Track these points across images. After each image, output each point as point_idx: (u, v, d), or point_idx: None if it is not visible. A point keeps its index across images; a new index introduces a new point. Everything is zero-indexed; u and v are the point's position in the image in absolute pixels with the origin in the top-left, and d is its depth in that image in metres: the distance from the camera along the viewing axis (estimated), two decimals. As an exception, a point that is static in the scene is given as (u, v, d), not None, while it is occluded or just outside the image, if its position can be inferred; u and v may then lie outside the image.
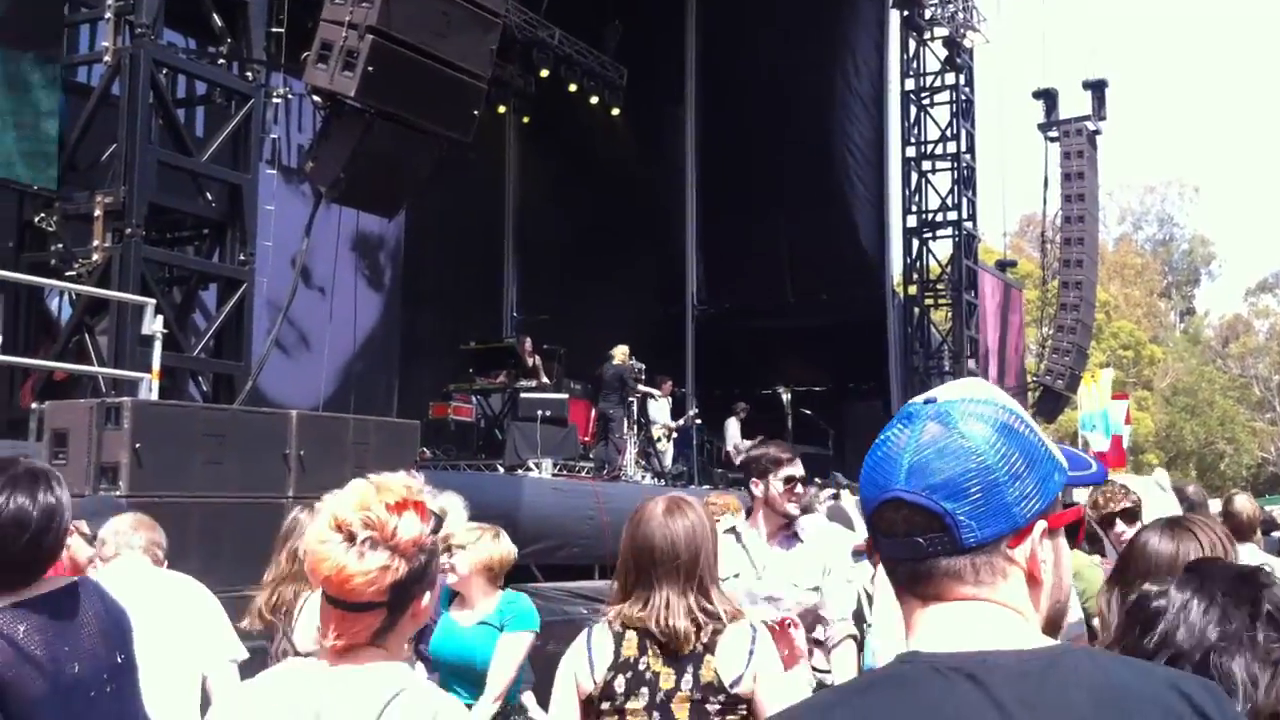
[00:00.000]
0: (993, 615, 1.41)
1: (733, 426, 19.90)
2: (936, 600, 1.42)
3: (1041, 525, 1.43)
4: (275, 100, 10.81)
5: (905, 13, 24.51)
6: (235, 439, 7.83)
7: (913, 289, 25.69)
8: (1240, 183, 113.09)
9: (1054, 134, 28.89)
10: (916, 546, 1.41)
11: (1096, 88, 29.07)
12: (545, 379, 17.26)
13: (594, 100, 23.66)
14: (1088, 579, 4.97)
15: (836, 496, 8.76)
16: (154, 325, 8.50)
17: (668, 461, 17.93)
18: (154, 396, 8.34)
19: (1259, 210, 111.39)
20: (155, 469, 7.24)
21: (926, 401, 1.47)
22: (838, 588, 5.03)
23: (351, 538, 2.20)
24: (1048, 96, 29.12)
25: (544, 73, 22.39)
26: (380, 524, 2.21)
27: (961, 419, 1.43)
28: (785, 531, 4.98)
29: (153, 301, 8.59)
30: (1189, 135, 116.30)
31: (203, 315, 10.30)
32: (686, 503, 3.50)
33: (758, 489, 5.02)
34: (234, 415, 8.22)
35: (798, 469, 4.98)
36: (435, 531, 2.30)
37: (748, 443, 19.78)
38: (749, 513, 5.13)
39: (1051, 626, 1.46)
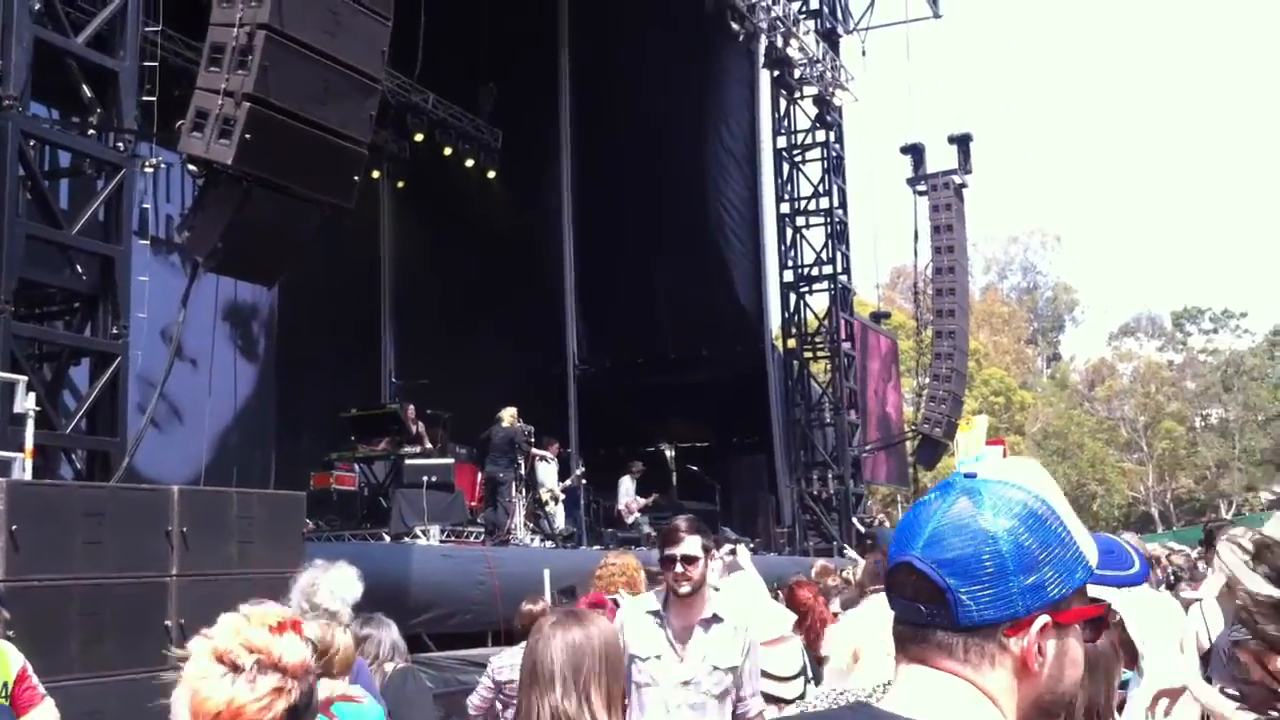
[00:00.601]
0: (961, 694, 1.42)
1: (626, 484, 19.85)
2: (920, 663, 1.44)
3: (1043, 620, 1.43)
4: (148, 170, 10.58)
5: (776, 73, 24.94)
6: (115, 517, 7.57)
7: (792, 342, 26.00)
8: (1100, 230, 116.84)
9: (922, 188, 29.56)
10: (918, 612, 1.44)
11: (961, 142, 29.83)
12: (429, 444, 17.06)
13: (469, 163, 23.69)
14: None
15: (733, 553, 8.73)
16: (26, 403, 8.22)
17: (559, 523, 17.80)
18: (28, 476, 8.05)
19: (1119, 256, 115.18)
20: (32, 551, 6.96)
21: (966, 475, 1.49)
22: (756, 668, 5.04)
23: (236, 667, 2.10)
24: (915, 151, 29.81)
25: (418, 137, 22.37)
26: (265, 648, 2.12)
27: (990, 500, 1.45)
28: (700, 611, 4.94)
29: (24, 379, 8.30)
30: (1049, 186, 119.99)
31: (72, 391, 10.00)
32: (578, 617, 3.41)
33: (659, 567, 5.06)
34: (113, 493, 7.95)
35: (680, 548, 4.91)
36: (316, 655, 2.23)
37: (640, 500, 19.74)
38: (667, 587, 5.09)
39: (1045, 717, 1.46)
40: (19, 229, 8.61)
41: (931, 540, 1.43)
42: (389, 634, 5.98)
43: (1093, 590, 1.51)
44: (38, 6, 9.05)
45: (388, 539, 14.49)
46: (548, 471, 17.92)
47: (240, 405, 17.35)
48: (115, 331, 9.27)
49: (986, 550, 1.41)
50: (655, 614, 4.96)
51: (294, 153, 8.94)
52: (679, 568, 4.90)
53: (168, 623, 7.66)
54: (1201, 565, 9.90)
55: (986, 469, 1.49)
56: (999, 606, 1.41)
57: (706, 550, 5.00)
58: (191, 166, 8.82)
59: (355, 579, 5.12)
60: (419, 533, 14.32)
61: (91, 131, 9.44)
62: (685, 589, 4.90)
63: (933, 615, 1.42)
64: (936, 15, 30.08)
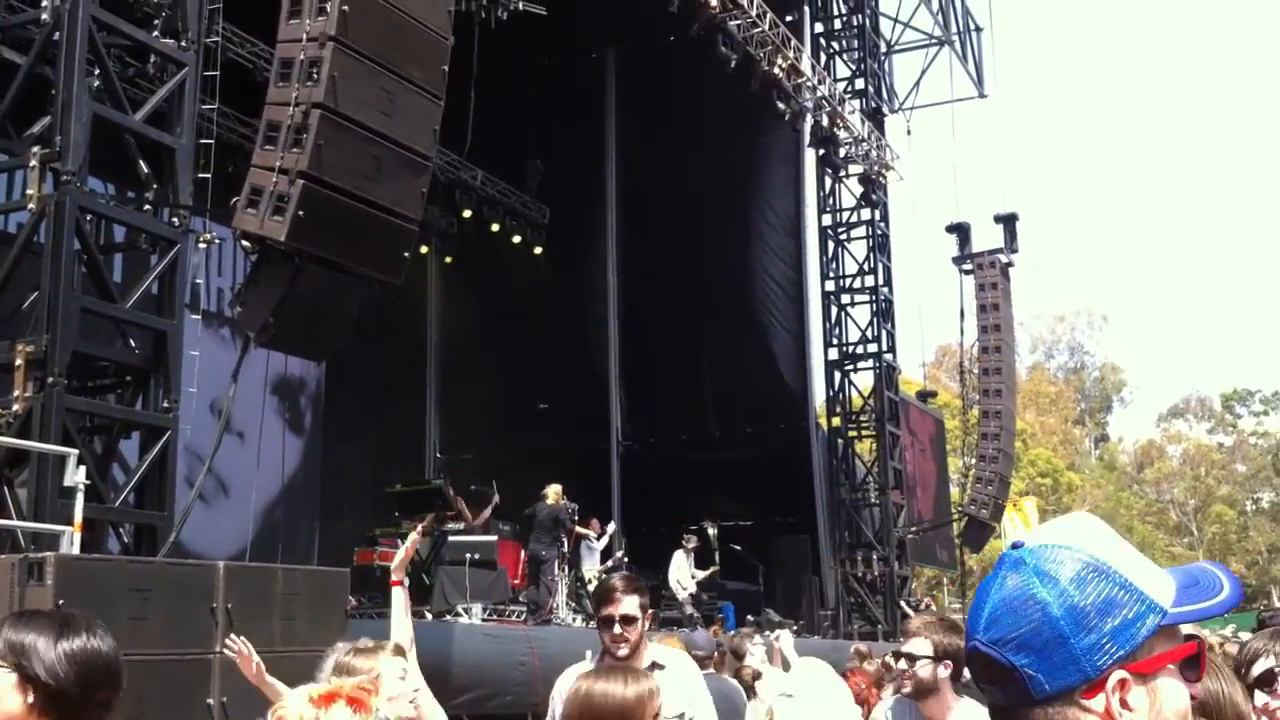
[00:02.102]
0: None
1: (679, 559, 19.28)
2: None
3: (1118, 675, 1.40)
4: (201, 245, 10.69)
5: (821, 151, 25.02)
6: (161, 592, 7.55)
7: (836, 421, 25.82)
8: (1147, 310, 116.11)
9: (968, 266, 29.45)
10: (999, 695, 1.45)
11: (1007, 221, 29.76)
12: (473, 521, 17.01)
13: (516, 239, 23.85)
14: None
15: (778, 638, 8.62)
16: (76, 476, 8.24)
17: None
18: (75, 550, 8.06)
19: (1166, 337, 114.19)
20: (78, 627, 6.94)
21: (1014, 546, 1.48)
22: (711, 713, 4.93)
23: None
24: (960, 230, 29.74)
25: (466, 213, 22.57)
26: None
27: (1036, 567, 1.44)
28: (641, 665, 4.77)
29: (75, 452, 8.34)
30: (1096, 265, 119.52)
31: (121, 465, 10.04)
32: (611, 673, 3.39)
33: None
34: (160, 568, 7.94)
35: (618, 607, 4.71)
36: None
37: (698, 573, 19.26)
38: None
39: None
40: (74, 303, 8.70)
41: (990, 621, 1.43)
42: None
43: (1187, 629, 1.49)
44: (97, 84, 9.21)
45: (430, 617, 14.39)
46: (591, 551, 17.79)
47: (287, 479, 17.42)
48: (166, 405, 9.31)
49: (1038, 618, 1.41)
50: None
51: (346, 229, 9.01)
52: (617, 629, 4.69)
53: (210, 701, 7.61)
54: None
55: (1034, 536, 1.49)
56: (1068, 673, 1.39)
57: (644, 609, 4.83)
58: (245, 242, 8.89)
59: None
60: (461, 611, 14.23)
61: (147, 207, 9.55)
62: (623, 651, 4.68)
63: (1010, 695, 1.43)
64: (982, 95, 30.17)
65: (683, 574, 19.07)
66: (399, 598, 5.51)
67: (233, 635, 5.62)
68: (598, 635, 4.85)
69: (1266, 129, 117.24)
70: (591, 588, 17.25)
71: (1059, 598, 1.41)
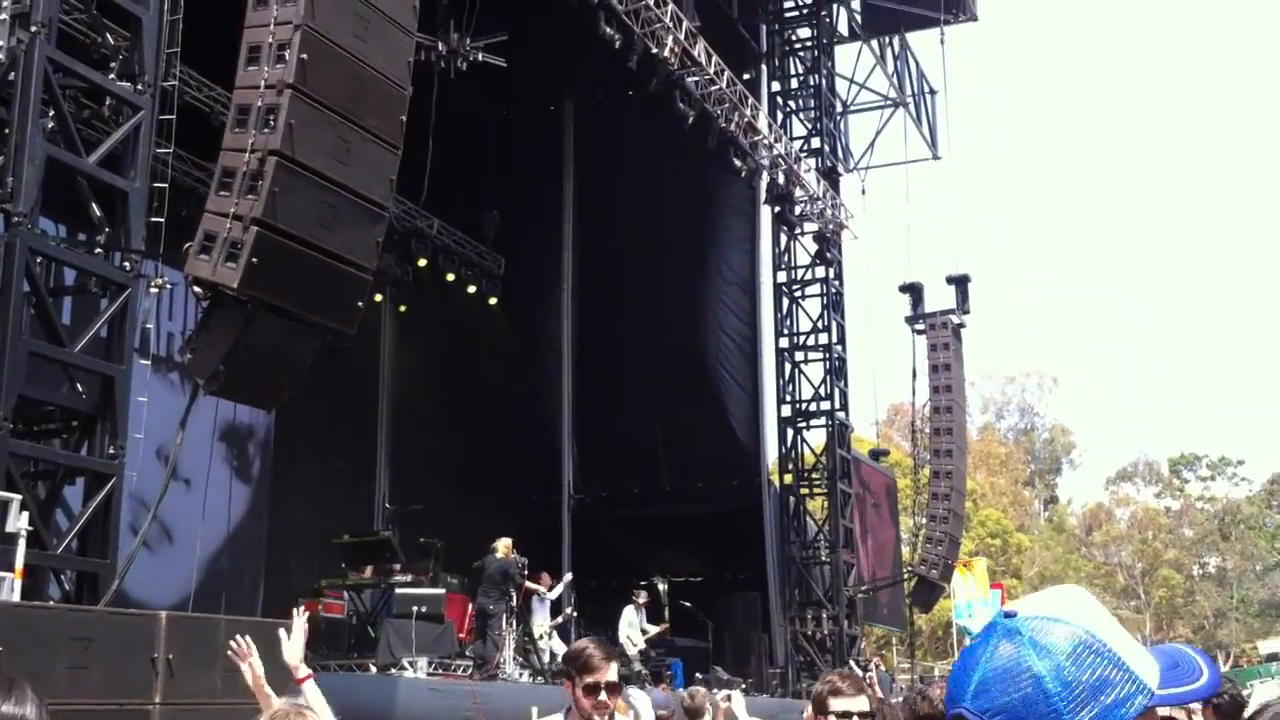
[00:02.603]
0: None
1: (629, 614, 19.08)
2: None
3: None
4: (153, 290, 10.58)
5: (777, 209, 25.18)
6: (101, 642, 7.42)
7: (788, 478, 25.82)
8: (1097, 373, 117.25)
9: (920, 326, 29.64)
10: None
11: (959, 282, 29.99)
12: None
13: (471, 289, 23.79)
14: None
15: (728, 697, 8.55)
16: (19, 522, 8.10)
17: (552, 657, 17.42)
18: (16, 597, 7.90)
19: (1115, 400, 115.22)
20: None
21: (1007, 615, 1.45)
22: None
23: None
24: (913, 290, 29.95)
25: (422, 262, 22.50)
26: None
27: (1031, 638, 1.41)
28: None
29: (18, 497, 8.20)
30: (1047, 327, 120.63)
31: (65, 510, 9.88)
32: None
33: (566, 689, 4.83)
34: (100, 616, 7.82)
35: (603, 675, 4.63)
36: None
37: (650, 628, 19.09)
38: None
39: None
40: (21, 346, 8.58)
41: (980, 690, 1.40)
42: None
43: (1163, 711, 1.47)
44: (52, 125, 9.13)
45: (374, 670, 14.22)
46: (541, 606, 17.62)
47: (233, 528, 17.18)
48: (112, 452, 9.18)
49: (1032, 692, 1.38)
50: None
51: (299, 277, 8.95)
52: (603, 696, 4.60)
53: (148, 753, 7.47)
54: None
55: (1027, 605, 1.46)
56: None
57: (624, 679, 4.82)
58: (197, 288, 8.81)
59: (325, 709, 4.97)
60: (406, 664, 14.06)
61: (99, 250, 9.45)
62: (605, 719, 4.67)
63: None
64: (936, 156, 30.49)
65: (633, 630, 18.91)
66: (313, 693, 5.29)
67: (237, 636, 5.46)
68: (569, 696, 4.78)
69: (1214, 196, 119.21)
70: (541, 644, 17.11)
71: (1054, 671, 1.38)
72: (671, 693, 14.35)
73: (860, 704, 4.73)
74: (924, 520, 30.29)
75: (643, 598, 19.47)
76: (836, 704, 4.64)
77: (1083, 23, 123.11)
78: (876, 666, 26.26)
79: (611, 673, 4.66)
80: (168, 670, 7.71)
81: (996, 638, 1.43)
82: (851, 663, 23.74)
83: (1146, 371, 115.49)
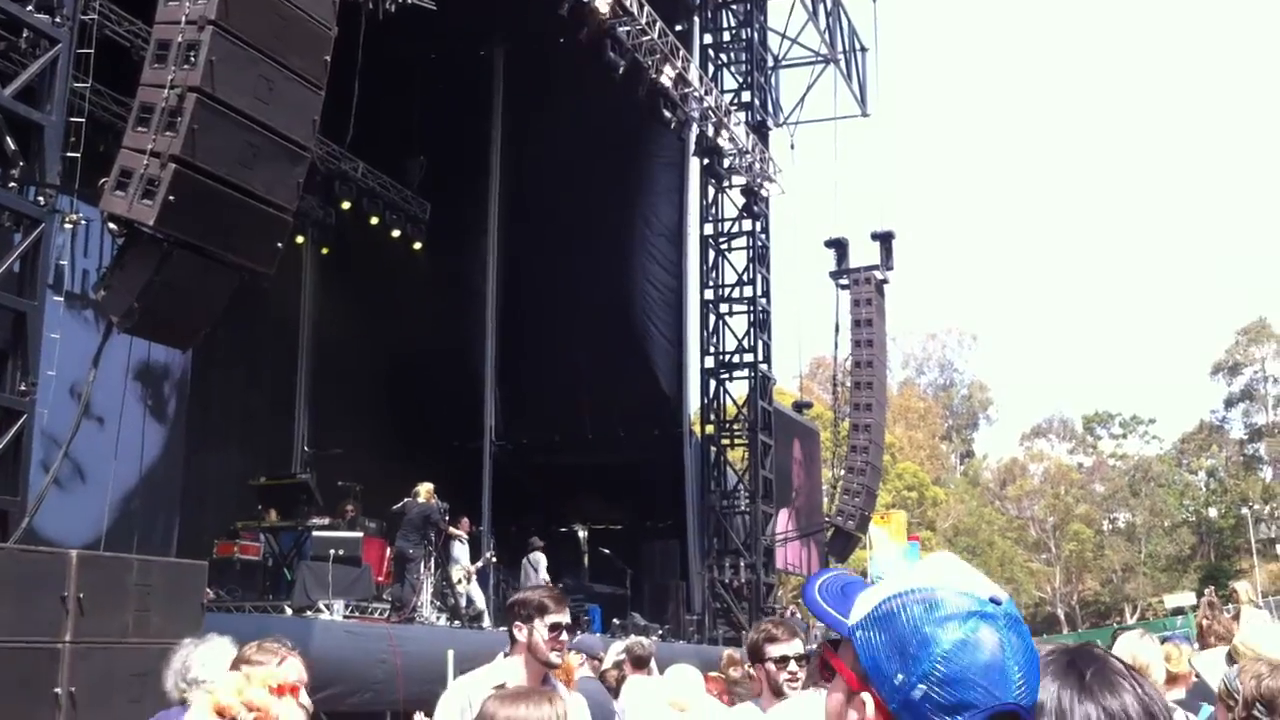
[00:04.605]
0: None
1: (541, 562, 19.11)
2: None
3: None
4: (67, 226, 10.40)
5: (705, 161, 25.22)
6: (9, 580, 7.35)
7: (710, 429, 26.01)
8: (1015, 332, 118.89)
9: (844, 281, 29.92)
10: None
11: (884, 239, 30.28)
12: (338, 517, 16.83)
13: (395, 233, 23.60)
14: None
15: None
16: (-76, 458, 8.00)
17: (480, 603, 17.45)
18: (-79, 535, 7.81)
19: (1033, 359, 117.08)
20: (-79, 614, 6.74)
21: (993, 600, 1.48)
22: None
23: None
24: (838, 245, 30.20)
25: (345, 205, 22.26)
26: (264, 707, 2.20)
27: (1023, 623, 1.50)
28: (545, 681, 4.83)
29: (-77, 434, 8.09)
30: (968, 285, 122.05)
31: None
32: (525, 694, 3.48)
33: (520, 633, 4.89)
34: (10, 554, 7.72)
35: (564, 616, 4.83)
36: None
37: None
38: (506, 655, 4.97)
39: None
40: (-71, 280, 8.43)
41: (1020, 683, 1.44)
42: None
43: None
44: (-35, 57, 8.93)
45: (290, 612, 14.21)
46: (460, 550, 17.64)
47: (146, 468, 16.98)
48: (23, 389, 9.05)
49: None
50: (503, 687, 4.83)
51: (217, 216, 8.85)
52: (563, 636, 4.82)
53: (58, 690, 7.42)
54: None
55: (990, 588, 1.49)
56: None
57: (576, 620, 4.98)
58: (112, 225, 8.68)
59: (230, 649, 4.96)
60: (322, 607, 14.05)
61: (12, 184, 9.27)
62: (559, 659, 4.85)
63: None
64: (865, 113, 30.67)
65: (544, 574, 18.85)
66: None
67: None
68: (523, 639, 4.84)
69: (1138, 156, 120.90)
70: (459, 588, 17.16)
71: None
72: (603, 638, 14.47)
73: (796, 647, 4.87)
74: (842, 472, 30.66)
75: (537, 545, 19.29)
76: (773, 650, 4.81)
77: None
78: (792, 614, 26.66)
79: (567, 614, 4.85)
80: (78, 608, 7.66)
81: (1004, 628, 1.46)
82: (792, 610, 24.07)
83: (1064, 331, 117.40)
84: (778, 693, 4.76)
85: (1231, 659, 4.71)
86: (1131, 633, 5.41)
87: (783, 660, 4.75)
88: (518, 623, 4.87)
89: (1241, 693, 3.28)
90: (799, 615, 28.21)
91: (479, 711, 3.46)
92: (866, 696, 1.48)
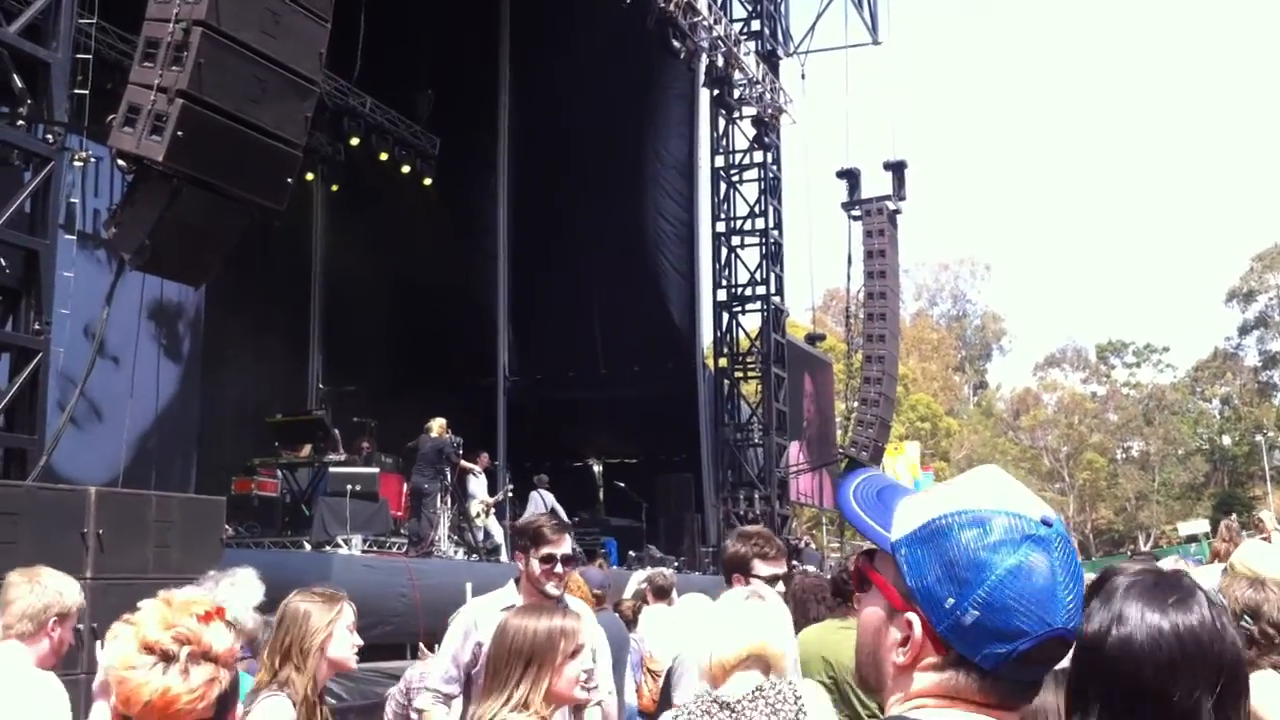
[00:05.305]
0: None
1: (545, 498, 19.23)
2: (1009, 711, 1.49)
3: None
4: (76, 164, 10.37)
5: (715, 92, 25.01)
6: (30, 517, 7.41)
7: (723, 362, 26.01)
8: (1029, 261, 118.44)
9: (856, 213, 29.74)
10: (1044, 673, 1.50)
11: (896, 169, 30.06)
12: (354, 453, 16.91)
13: (405, 169, 23.51)
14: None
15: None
16: (-59, 397, 8.03)
17: (497, 537, 17.55)
18: (-61, 473, 7.86)
19: (1046, 288, 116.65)
20: (-59, 550, 6.79)
21: (1045, 522, 1.47)
22: (607, 665, 5.09)
23: (168, 657, 2.10)
24: (850, 176, 29.99)
25: (354, 141, 22.18)
26: (194, 637, 2.12)
27: (1071, 543, 1.50)
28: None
29: (-61, 372, 8.12)
30: (981, 215, 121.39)
31: (-10, 387, 9.77)
32: (531, 610, 3.67)
33: (519, 562, 4.91)
34: (29, 491, 7.77)
35: (560, 548, 4.79)
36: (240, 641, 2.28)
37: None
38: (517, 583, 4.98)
39: None
40: (-60, 219, 8.41)
41: (1070, 607, 1.45)
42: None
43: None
44: (-32, -6, 8.87)
45: (308, 547, 14.31)
46: (477, 485, 17.72)
47: (162, 406, 17.05)
48: (37, 327, 9.06)
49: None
50: (511, 609, 4.84)
51: (226, 152, 8.80)
52: (559, 568, 4.79)
53: (79, 626, 7.49)
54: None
55: (1042, 508, 1.49)
56: None
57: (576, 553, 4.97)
58: (121, 162, 8.64)
59: (254, 582, 4.99)
60: (340, 542, 14.15)
61: (20, 123, 9.23)
62: (557, 590, 4.78)
63: (1050, 668, 1.51)
64: (876, 41, 30.32)
65: (541, 508, 18.82)
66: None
67: None
68: (522, 568, 4.86)
69: (1152, 85, 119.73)
70: (477, 522, 17.25)
71: None
72: (610, 570, 14.57)
73: (782, 567, 4.82)
74: (856, 404, 30.67)
75: (542, 480, 19.32)
76: (764, 568, 4.67)
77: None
78: (807, 544, 26.80)
79: (565, 545, 4.81)
80: (98, 545, 7.72)
81: (1056, 551, 1.45)
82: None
83: (1077, 260, 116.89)
84: None
85: (1225, 574, 4.76)
86: (1167, 559, 5.45)
87: (772, 580, 4.61)
88: (518, 551, 4.91)
89: (1226, 604, 3.34)
90: (813, 547, 28.37)
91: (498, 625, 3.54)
92: (913, 617, 1.47)
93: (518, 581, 4.95)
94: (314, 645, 3.92)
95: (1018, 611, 1.42)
